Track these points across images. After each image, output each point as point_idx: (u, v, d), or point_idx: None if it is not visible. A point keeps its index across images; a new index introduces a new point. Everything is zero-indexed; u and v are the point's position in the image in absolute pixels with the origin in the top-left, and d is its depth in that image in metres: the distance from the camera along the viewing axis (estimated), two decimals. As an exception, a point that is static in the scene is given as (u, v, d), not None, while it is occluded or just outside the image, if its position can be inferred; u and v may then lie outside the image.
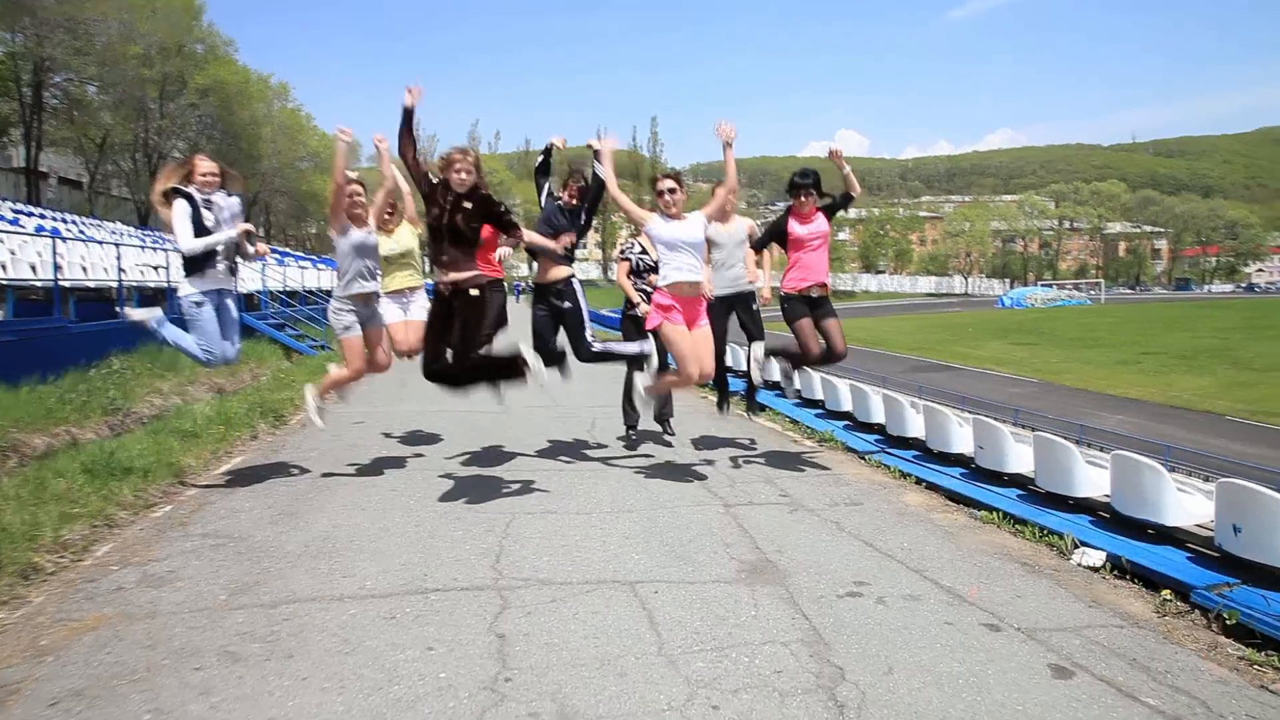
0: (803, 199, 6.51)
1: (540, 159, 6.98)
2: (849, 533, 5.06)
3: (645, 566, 4.39)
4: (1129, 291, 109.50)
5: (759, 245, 6.99)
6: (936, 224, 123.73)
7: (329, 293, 30.68)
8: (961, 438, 7.41)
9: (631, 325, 7.54)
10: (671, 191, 6.03)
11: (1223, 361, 32.56)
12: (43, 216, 27.37)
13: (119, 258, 14.38)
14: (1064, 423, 16.83)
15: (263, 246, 6.65)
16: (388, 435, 8.29)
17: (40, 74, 39.97)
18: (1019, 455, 6.58)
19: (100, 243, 17.52)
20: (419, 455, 7.37)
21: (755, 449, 7.82)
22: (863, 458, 7.35)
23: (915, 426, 8.11)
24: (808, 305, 6.51)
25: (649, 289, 7.14)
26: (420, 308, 6.83)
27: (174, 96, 48.30)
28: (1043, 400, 24.93)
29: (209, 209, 5.96)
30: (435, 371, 5.64)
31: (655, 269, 7.07)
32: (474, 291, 5.45)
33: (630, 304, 7.56)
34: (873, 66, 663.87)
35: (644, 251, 7.51)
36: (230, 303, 6.28)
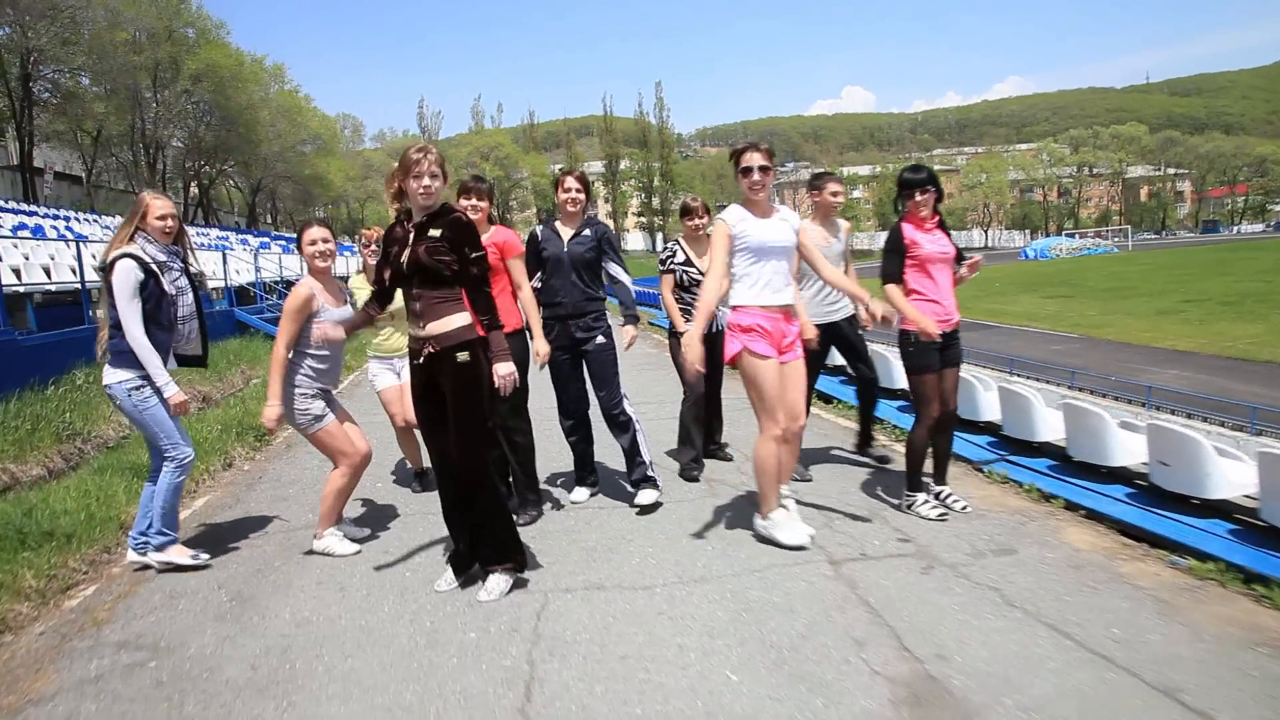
0: (920, 199, 4.75)
1: None
2: (1023, 610, 3.55)
3: (751, 701, 2.90)
4: (1154, 236, 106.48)
5: (892, 275, 4.84)
6: (951, 177, 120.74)
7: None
8: (1048, 422, 6.02)
9: (683, 369, 5.92)
10: (764, 170, 4.33)
11: (1271, 306, 30.71)
12: (30, 214, 25.99)
13: (78, 256, 12.66)
14: (1127, 384, 15.25)
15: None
16: (387, 470, 6.75)
17: (27, 66, 38.39)
18: (1124, 446, 5.32)
19: (65, 240, 16.05)
20: (421, 498, 5.91)
21: (828, 456, 6.38)
22: (979, 469, 5.84)
23: (990, 409, 6.70)
24: (939, 350, 4.75)
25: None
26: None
27: (168, 84, 46.69)
28: (1088, 357, 23.21)
29: (170, 270, 4.50)
30: (457, 501, 4.05)
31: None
32: (461, 356, 3.79)
33: (674, 330, 6.08)
34: (876, 20, 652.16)
35: (688, 261, 6.03)
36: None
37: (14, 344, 9.19)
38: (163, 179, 50.53)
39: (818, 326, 5.47)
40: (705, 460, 6.20)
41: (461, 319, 3.81)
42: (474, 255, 3.80)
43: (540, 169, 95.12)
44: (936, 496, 4.90)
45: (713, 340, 5.60)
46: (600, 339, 5.09)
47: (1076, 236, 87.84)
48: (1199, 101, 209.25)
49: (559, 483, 6.00)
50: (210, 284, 16.75)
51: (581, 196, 5.14)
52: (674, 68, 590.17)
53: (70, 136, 45.35)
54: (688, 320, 5.79)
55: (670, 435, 6.49)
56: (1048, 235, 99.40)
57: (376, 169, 75.74)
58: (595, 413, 5.34)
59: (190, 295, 4.62)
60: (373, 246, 5.63)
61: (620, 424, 5.22)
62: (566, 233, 5.13)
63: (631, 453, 5.26)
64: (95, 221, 29.26)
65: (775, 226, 4.33)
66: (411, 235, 3.80)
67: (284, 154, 55.54)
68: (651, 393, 9.73)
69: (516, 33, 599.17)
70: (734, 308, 4.39)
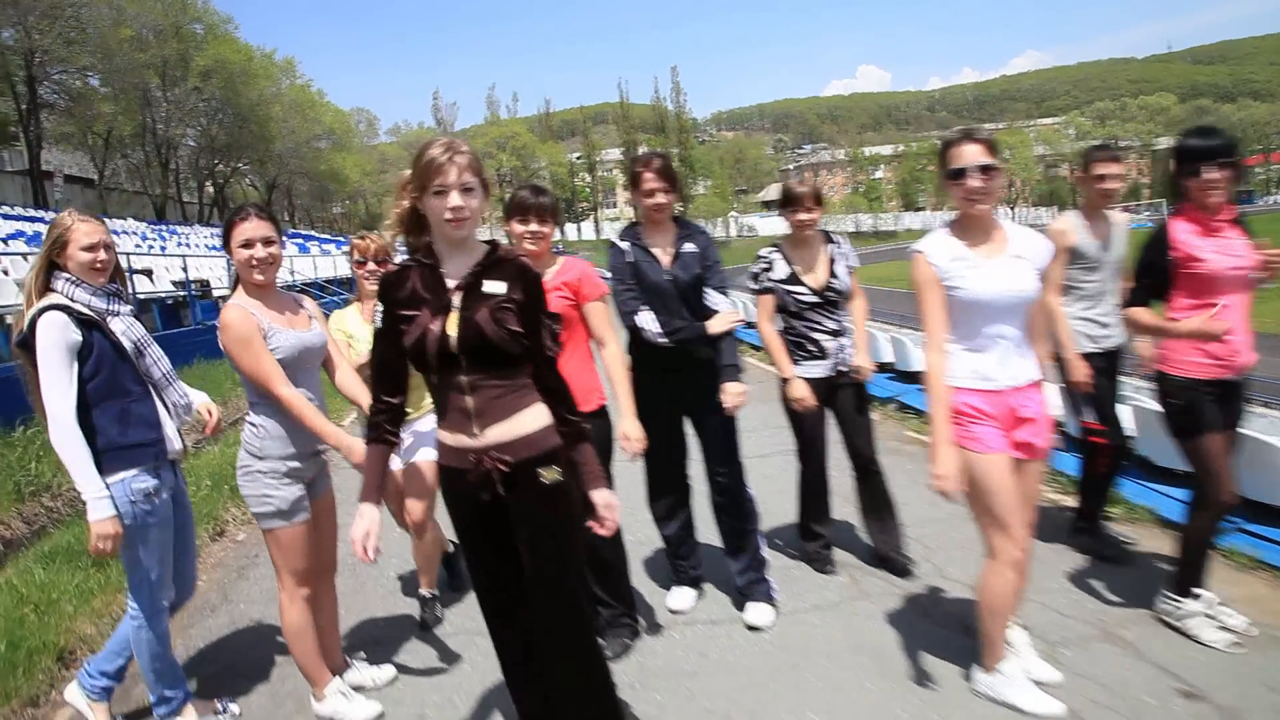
0: (1211, 178, 3.14)
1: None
2: None
3: None
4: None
5: (1146, 293, 3.37)
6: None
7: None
8: None
9: (802, 425, 4.30)
10: (987, 173, 2.77)
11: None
12: (33, 220, 24.84)
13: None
14: None
15: (211, 412, 3.61)
16: (408, 579, 4.82)
17: (32, 68, 37.45)
18: None
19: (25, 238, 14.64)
20: (457, 612, 4.49)
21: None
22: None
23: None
24: (1219, 402, 3.25)
25: (811, 346, 4.18)
26: (429, 443, 3.77)
27: (177, 81, 45.78)
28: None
29: (116, 315, 3.13)
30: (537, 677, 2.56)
31: (821, 304, 4.13)
32: (547, 474, 2.40)
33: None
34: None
35: (794, 278, 4.18)
36: (180, 483, 3.42)
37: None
38: (176, 178, 49.62)
39: (1084, 356, 4.02)
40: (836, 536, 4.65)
41: (539, 416, 2.41)
42: (552, 322, 2.50)
43: (558, 158, 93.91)
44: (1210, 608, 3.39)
45: (835, 386, 4.20)
46: (719, 396, 3.63)
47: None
48: (1223, 69, 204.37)
49: (645, 579, 4.54)
50: (218, 294, 15.43)
51: (668, 199, 3.60)
52: (687, 52, 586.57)
53: (80, 139, 44.57)
54: (799, 361, 4.18)
55: (772, 511, 4.90)
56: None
57: (392, 162, 74.54)
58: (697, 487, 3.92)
59: (154, 344, 3.23)
60: (370, 266, 3.99)
61: (737, 509, 3.79)
62: (663, 251, 3.66)
63: (747, 549, 3.84)
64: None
65: (1007, 270, 2.80)
66: (458, 297, 2.40)
67: (298, 150, 54.89)
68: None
69: (530, 22, 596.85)
70: (959, 389, 2.85)
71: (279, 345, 3.04)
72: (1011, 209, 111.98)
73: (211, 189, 54.92)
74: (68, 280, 3.01)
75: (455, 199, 2.26)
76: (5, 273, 11.75)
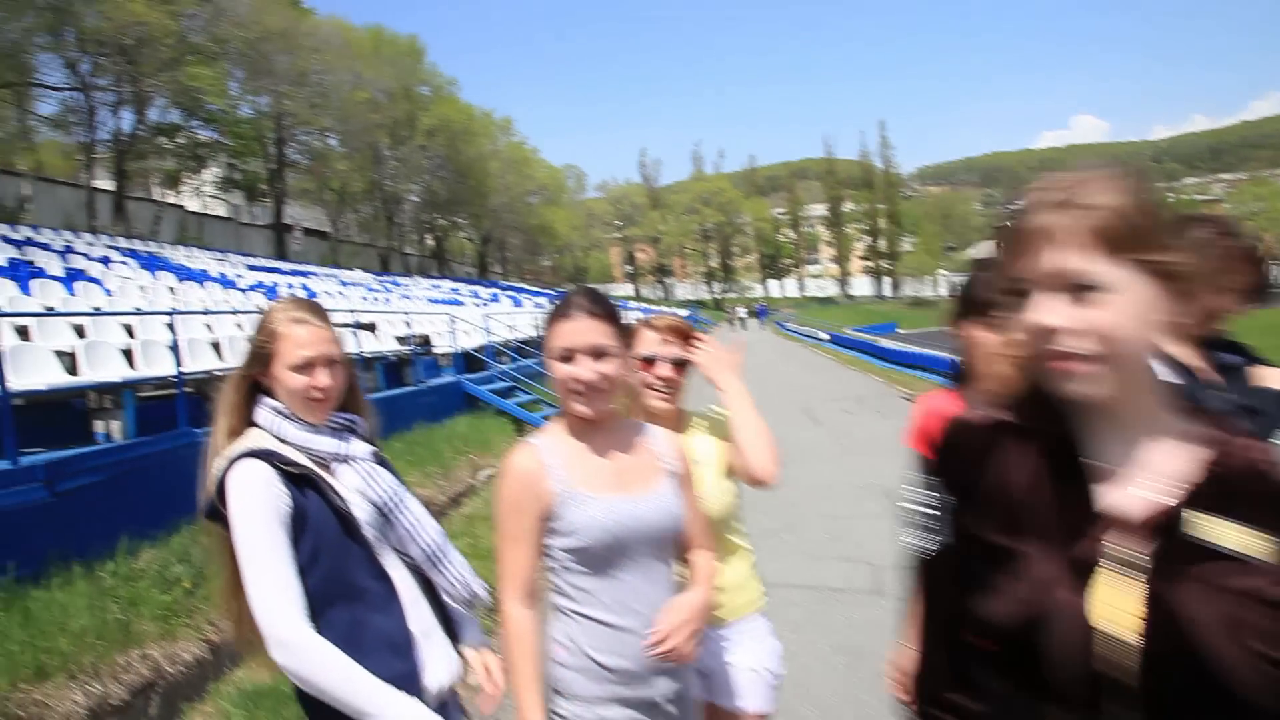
0: None
1: None
2: None
3: None
4: None
5: None
6: (1213, 207, 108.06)
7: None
8: None
9: None
10: None
11: None
12: (271, 271, 25.97)
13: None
14: None
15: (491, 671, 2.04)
16: None
17: (282, 130, 40.53)
18: None
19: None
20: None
21: None
22: None
23: None
24: None
25: None
26: (759, 683, 2.26)
27: (404, 140, 48.37)
28: None
29: (348, 459, 1.95)
30: None
31: None
32: None
33: None
34: (1105, 43, 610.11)
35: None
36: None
37: (195, 449, 7.09)
38: (399, 231, 52.14)
39: None
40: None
41: None
42: None
43: (762, 213, 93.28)
44: None
45: None
46: None
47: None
48: None
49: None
50: (438, 352, 14.86)
51: None
52: (890, 106, 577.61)
53: (317, 194, 47.62)
54: None
55: None
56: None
57: (599, 217, 76.86)
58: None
59: (409, 499, 1.99)
60: (660, 351, 2.24)
61: None
62: None
63: None
64: (333, 276, 29.09)
65: None
66: (1138, 544, 1.00)
67: (512, 204, 56.98)
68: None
69: (736, 82, 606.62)
70: None
71: (579, 525, 1.77)
72: (1271, 263, 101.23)
73: (431, 241, 57.52)
74: (274, 411, 1.88)
75: None
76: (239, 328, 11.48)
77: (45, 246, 17.38)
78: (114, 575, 5.47)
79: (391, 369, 12.39)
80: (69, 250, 17.76)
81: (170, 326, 7.87)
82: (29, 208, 27.98)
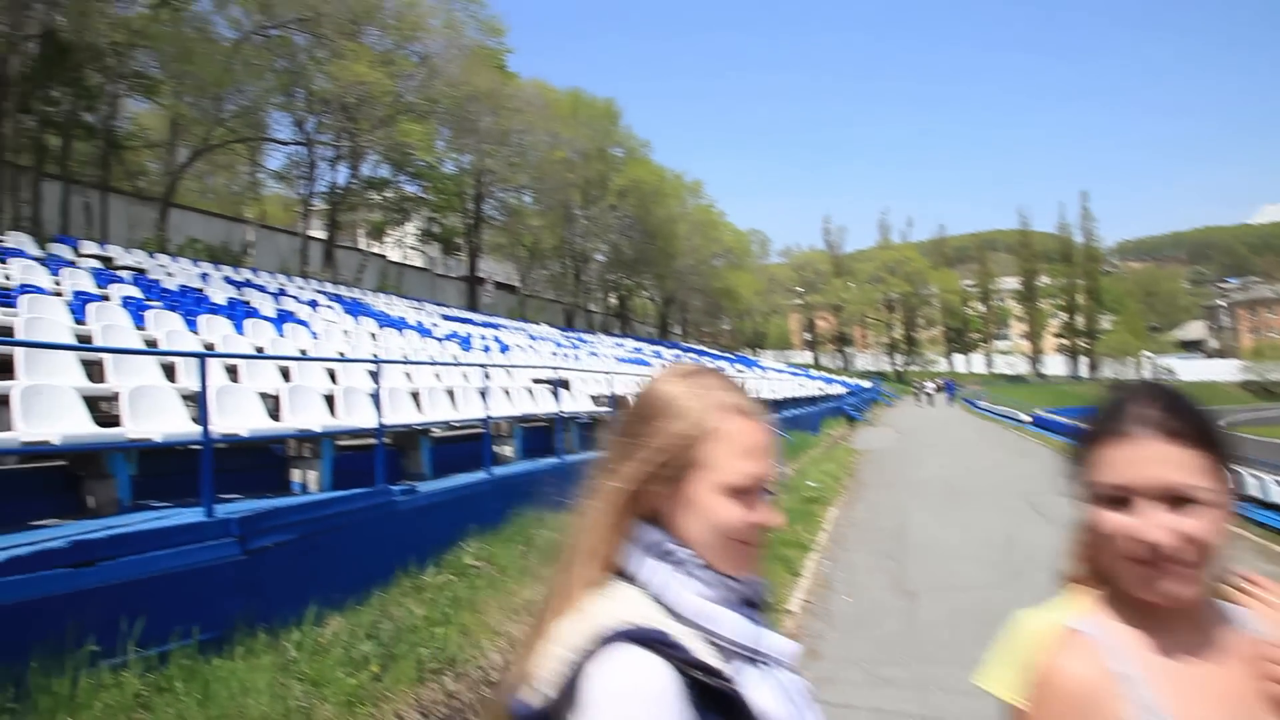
0: None
1: None
2: None
3: None
4: None
5: None
6: None
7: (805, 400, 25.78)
8: None
9: None
10: None
11: None
12: (464, 321, 26.34)
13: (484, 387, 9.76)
14: None
15: None
16: None
17: (481, 187, 41.89)
18: None
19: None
20: None
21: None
22: None
23: None
24: None
25: None
26: None
27: (596, 199, 49.04)
28: None
29: (762, 661, 1.06)
30: None
31: None
32: None
33: None
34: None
35: None
36: None
37: (391, 508, 6.55)
38: (585, 289, 52.90)
39: None
40: None
41: None
42: None
43: (950, 284, 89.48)
44: None
45: None
46: None
47: None
48: None
49: None
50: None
51: None
52: (1088, 177, 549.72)
53: (509, 249, 48.80)
54: None
55: None
56: None
57: (781, 283, 76.23)
58: None
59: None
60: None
61: None
62: None
63: None
64: (521, 329, 29.29)
65: None
66: None
67: (697, 266, 56.87)
68: None
69: (924, 149, 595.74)
70: None
71: None
72: None
73: (615, 300, 58.10)
74: (676, 566, 1.04)
75: None
76: (437, 377, 11.13)
77: (261, 288, 18.04)
78: (299, 648, 4.90)
79: (584, 429, 11.73)
80: (282, 293, 18.36)
81: (374, 375, 7.42)
82: (251, 253, 29.83)
